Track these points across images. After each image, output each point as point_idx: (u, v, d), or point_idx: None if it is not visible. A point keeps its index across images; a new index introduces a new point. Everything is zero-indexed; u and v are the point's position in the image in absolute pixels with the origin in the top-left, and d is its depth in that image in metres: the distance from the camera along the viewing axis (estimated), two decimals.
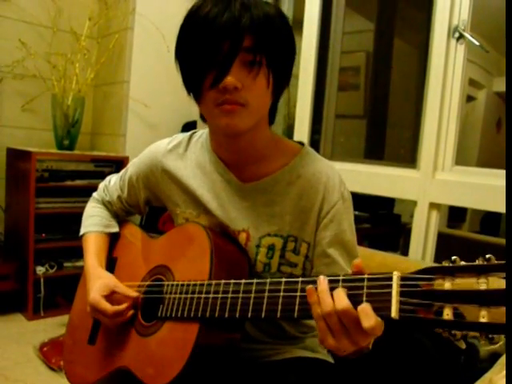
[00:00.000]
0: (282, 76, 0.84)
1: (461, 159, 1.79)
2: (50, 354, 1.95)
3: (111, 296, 0.89)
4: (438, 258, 1.74)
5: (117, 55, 2.67)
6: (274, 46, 0.79)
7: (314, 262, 0.88)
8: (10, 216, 2.56)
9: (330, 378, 0.83)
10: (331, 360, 0.91)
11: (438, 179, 1.72)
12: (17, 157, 2.43)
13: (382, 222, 2.93)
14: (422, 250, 1.74)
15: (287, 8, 2.53)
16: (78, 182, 2.45)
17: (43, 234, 2.35)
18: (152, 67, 2.64)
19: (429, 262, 1.67)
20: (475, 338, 0.51)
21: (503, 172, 1.51)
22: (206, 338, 0.76)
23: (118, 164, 2.56)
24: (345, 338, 0.62)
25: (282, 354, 0.92)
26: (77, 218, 2.43)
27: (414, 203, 1.78)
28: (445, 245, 1.91)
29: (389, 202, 3.01)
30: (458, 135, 1.74)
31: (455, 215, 3.03)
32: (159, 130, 2.75)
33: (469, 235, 2.54)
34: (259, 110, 0.82)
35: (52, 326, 2.27)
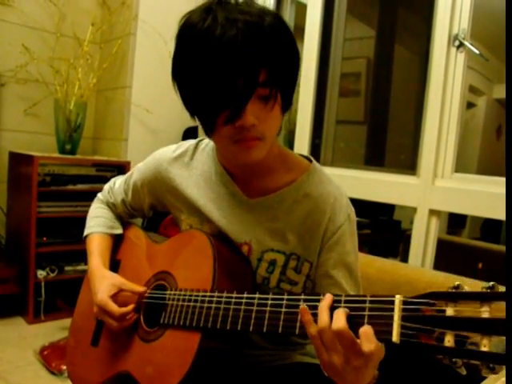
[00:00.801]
0: (292, 94, 0.81)
1: (461, 166, 1.80)
2: (51, 357, 1.95)
3: (117, 296, 0.90)
4: (437, 265, 1.75)
5: (119, 61, 2.69)
6: (288, 73, 0.76)
7: (316, 282, 0.88)
8: (11, 219, 2.57)
9: None
10: None
11: (438, 186, 1.73)
12: (19, 161, 2.44)
13: (381, 228, 2.94)
14: (421, 256, 1.75)
15: (289, 15, 2.55)
16: (80, 187, 2.46)
17: (44, 238, 2.36)
18: (154, 73, 2.66)
19: (428, 269, 1.68)
20: (476, 366, 0.51)
21: (503, 179, 1.52)
22: (207, 347, 0.77)
23: (120, 168, 2.57)
24: (337, 355, 0.61)
25: (282, 359, 0.93)
26: (78, 221, 2.43)
27: (413, 210, 1.79)
28: (445, 251, 1.91)
29: (389, 209, 3.01)
30: (458, 142, 1.76)
31: (455, 222, 3.04)
32: (161, 135, 2.77)
33: (469, 242, 2.55)
34: (274, 136, 0.81)
35: (52, 330, 2.27)
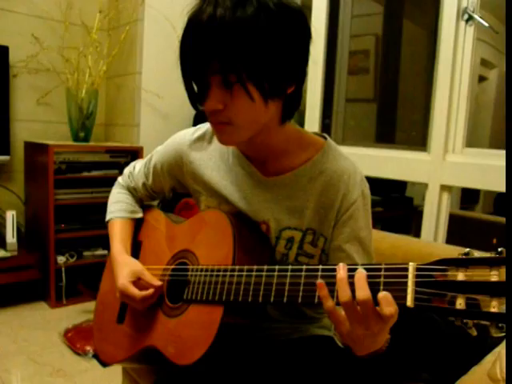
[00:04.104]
0: (276, 81, 0.77)
1: (474, 140, 1.79)
2: (75, 339, 2.02)
3: (138, 282, 0.94)
4: (451, 241, 1.76)
5: (128, 47, 2.71)
6: (246, 62, 0.72)
7: (329, 255, 0.90)
8: (30, 208, 2.63)
9: (346, 355, 0.87)
10: None
11: (449, 161, 1.74)
12: (34, 150, 2.49)
13: (394, 205, 2.95)
14: (433, 231, 1.77)
15: None
16: (95, 173, 2.50)
17: (62, 225, 2.42)
18: (163, 58, 2.67)
19: (440, 244, 1.70)
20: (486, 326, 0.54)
21: None
22: (230, 321, 0.80)
23: (133, 154, 2.61)
24: (358, 324, 0.63)
25: (300, 332, 0.96)
26: (94, 208, 2.49)
27: (425, 186, 1.80)
28: (458, 227, 1.92)
29: (401, 185, 3.02)
30: (470, 116, 1.75)
31: (468, 197, 3.03)
32: (172, 120, 2.79)
33: (482, 216, 2.55)
34: (251, 124, 0.80)
35: (75, 313, 2.35)
